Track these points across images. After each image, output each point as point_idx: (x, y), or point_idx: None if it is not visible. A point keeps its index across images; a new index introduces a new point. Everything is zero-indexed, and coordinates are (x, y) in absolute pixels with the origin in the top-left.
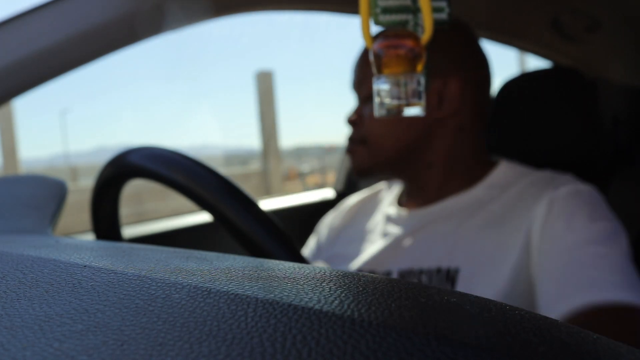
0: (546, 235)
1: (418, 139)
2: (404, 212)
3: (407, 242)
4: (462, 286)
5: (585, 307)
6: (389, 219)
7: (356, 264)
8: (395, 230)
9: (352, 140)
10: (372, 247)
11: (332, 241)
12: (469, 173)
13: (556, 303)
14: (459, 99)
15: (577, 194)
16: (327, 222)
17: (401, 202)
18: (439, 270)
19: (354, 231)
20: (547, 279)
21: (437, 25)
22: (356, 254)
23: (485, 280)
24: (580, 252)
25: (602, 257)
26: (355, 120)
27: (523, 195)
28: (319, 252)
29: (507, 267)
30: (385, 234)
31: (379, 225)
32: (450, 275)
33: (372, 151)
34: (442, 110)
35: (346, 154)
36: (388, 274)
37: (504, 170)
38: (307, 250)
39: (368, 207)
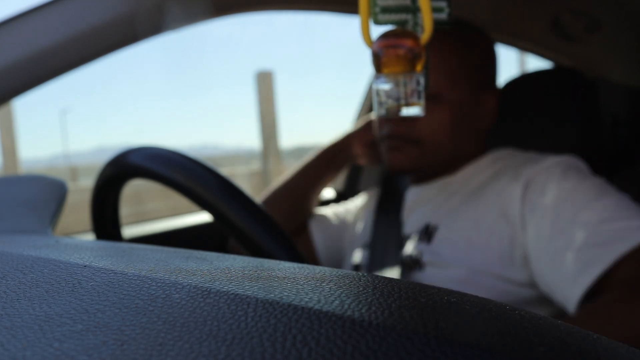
0: (539, 202)
1: (466, 147)
2: (413, 188)
3: (411, 214)
4: (438, 240)
5: (620, 258)
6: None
7: (362, 237)
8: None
9: (401, 137)
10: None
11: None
12: (471, 157)
13: (588, 266)
14: (497, 110)
15: (562, 161)
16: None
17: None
18: (426, 228)
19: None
20: (561, 247)
21: (437, 25)
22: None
23: (458, 234)
24: (588, 211)
25: (612, 208)
26: (404, 118)
27: (507, 169)
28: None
29: (484, 230)
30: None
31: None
32: (429, 231)
33: (427, 153)
34: (485, 122)
35: (386, 150)
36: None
37: (497, 152)
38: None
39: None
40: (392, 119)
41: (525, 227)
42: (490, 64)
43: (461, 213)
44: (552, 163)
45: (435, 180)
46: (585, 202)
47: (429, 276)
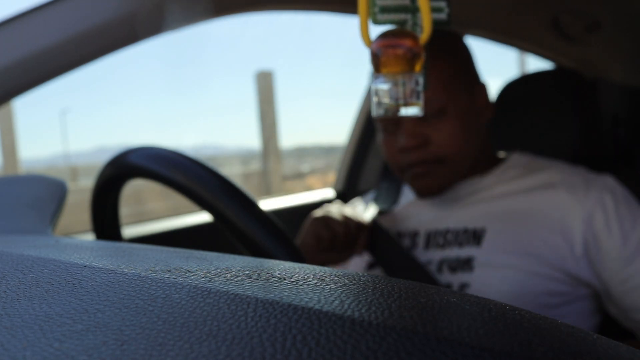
0: (613, 235)
1: (480, 143)
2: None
3: (432, 208)
4: (488, 243)
5: None
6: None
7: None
8: (421, 204)
9: (425, 162)
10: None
11: None
12: (488, 161)
13: None
14: (489, 99)
15: (624, 190)
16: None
17: None
18: (465, 231)
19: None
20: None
21: (437, 25)
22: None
23: (510, 239)
24: None
25: None
26: (421, 143)
27: (558, 181)
28: None
29: (538, 239)
30: (411, 209)
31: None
32: (477, 234)
33: (454, 167)
34: (485, 114)
35: (413, 178)
36: (415, 234)
37: (519, 158)
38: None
39: None
40: (405, 149)
41: (590, 252)
42: (470, 60)
43: (510, 218)
44: (605, 190)
45: (463, 181)
46: None
47: (479, 278)
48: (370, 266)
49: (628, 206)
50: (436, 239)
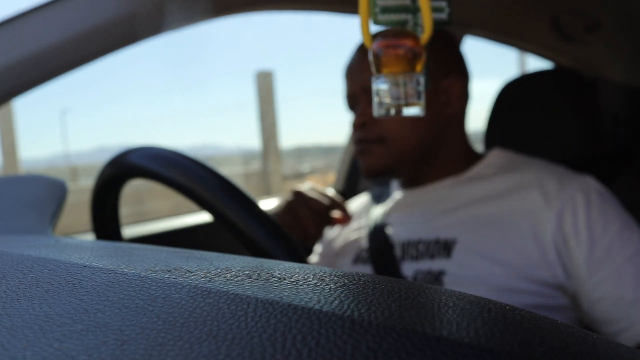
0: (575, 237)
1: (433, 135)
2: (406, 193)
3: (406, 217)
4: (459, 254)
5: None
6: (394, 202)
7: (358, 243)
8: (397, 212)
9: (367, 140)
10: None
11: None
12: (466, 158)
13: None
14: (464, 96)
15: (588, 189)
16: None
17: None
18: (437, 241)
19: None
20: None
21: (437, 25)
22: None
23: (480, 249)
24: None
25: None
26: (367, 121)
27: (528, 182)
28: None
29: (510, 248)
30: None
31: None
32: (447, 245)
33: (393, 149)
34: (452, 107)
35: (358, 155)
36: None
37: (498, 155)
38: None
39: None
40: (355, 126)
41: (562, 257)
42: (444, 50)
43: (481, 226)
44: (579, 191)
45: (438, 182)
46: (621, 235)
47: None
48: (356, 260)
49: (601, 210)
50: (409, 250)
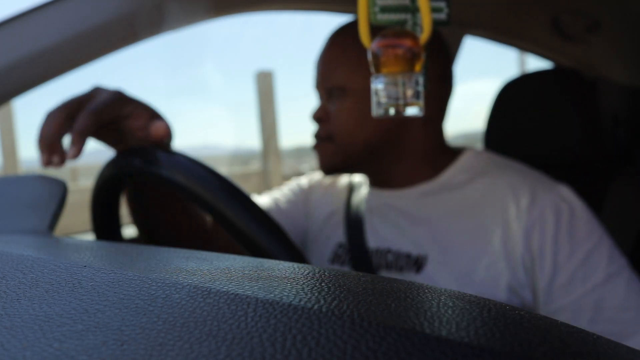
0: (554, 250)
1: (388, 134)
2: (375, 193)
3: (375, 222)
4: (429, 271)
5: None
6: (363, 200)
7: (330, 245)
8: (370, 211)
9: (318, 137)
10: (342, 228)
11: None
12: (436, 161)
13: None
14: (438, 97)
15: (575, 209)
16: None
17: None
18: (408, 256)
19: (324, 210)
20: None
21: (437, 25)
22: (332, 233)
23: (452, 268)
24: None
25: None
26: (322, 117)
27: (502, 190)
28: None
29: (483, 268)
30: (356, 214)
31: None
32: (418, 262)
33: (340, 148)
34: (430, 107)
35: (313, 150)
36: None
37: (472, 157)
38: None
39: (332, 190)
40: (312, 117)
41: (529, 277)
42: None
43: (454, 243)
44: (550, 208)
45: (410, 187)
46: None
47: None
48: (334, 260)
49: (570, 233)
50: (379, 258)
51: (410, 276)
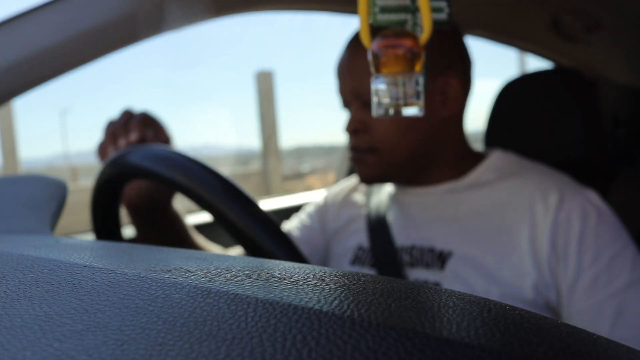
0: (584, 253)
1: (428, 140)
2: (401, 191)
3: (399, 219)
4: (453, 267)
5: None
6: (390, 199)
7: (349, 249)
8: (393, 209)
9: (359, 149)
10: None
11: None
12: (463, 161)
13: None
14: (461, 97)
15: (601, 213)
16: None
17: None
18: (432, 250)
19: (342, 219)
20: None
21: (437, 25)
22: (351, 238)
23: (478, 264)
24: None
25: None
26: (359, 128)
27: (530, 191)
28: (322, 226)
29: (509, 267)
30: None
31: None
32: (442, 256)
33: (385, 159)
34: (447, 109)
35: (352, 162)
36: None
37: (501, 158)
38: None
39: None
40: (347, 130)
41: (555, 278)
42: (438, 47)
43: (481, 240)
44: (577, 211)
45: (437, 185)
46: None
47: None
48: (354, 261)
49: (596, 235)
50: (403, 255)
51: (436, 274)
